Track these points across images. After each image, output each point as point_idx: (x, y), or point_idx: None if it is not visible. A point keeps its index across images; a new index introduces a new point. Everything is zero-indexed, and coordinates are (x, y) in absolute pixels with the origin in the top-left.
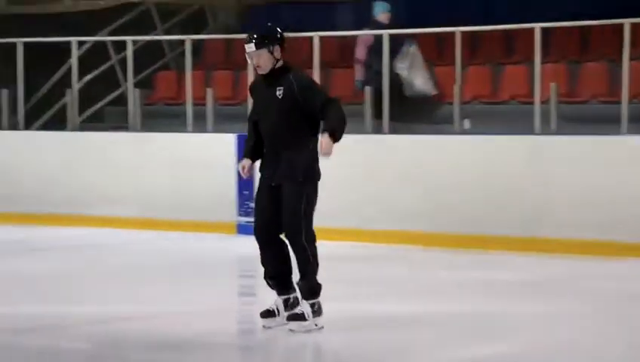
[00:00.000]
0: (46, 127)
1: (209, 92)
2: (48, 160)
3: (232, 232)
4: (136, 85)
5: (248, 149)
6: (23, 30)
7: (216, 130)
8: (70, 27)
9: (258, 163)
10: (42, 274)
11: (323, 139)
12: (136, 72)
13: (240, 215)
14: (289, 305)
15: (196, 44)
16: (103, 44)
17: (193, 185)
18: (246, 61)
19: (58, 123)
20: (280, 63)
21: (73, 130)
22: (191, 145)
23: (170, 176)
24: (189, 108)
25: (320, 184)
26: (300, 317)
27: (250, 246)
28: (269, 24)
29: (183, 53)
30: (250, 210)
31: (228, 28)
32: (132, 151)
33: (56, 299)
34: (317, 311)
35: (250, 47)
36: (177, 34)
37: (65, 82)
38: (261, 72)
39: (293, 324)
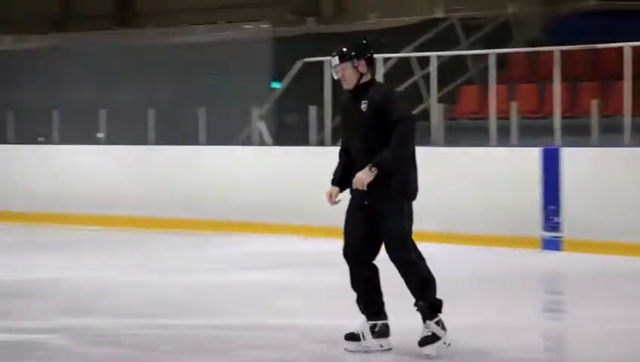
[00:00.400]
0: None
1: (513, 106)
2: None
3: (537, 247)
4: (440, 100)
5: (337, 176)
6: (330, 48)
7: (520, 144)
8: (374, 44)
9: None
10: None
11: (360, 172)
12: (439, 87)
13: (545, 230)
14: (376, 331)
15: (500, 58)
16: (407, 59)
17: (497, 199)
18: (551, 73)
19: None
20: (366, 78)
21: None
22: (494, 159)
23: (472, 189)
24: (493, 122)
25: None
26: (433, 338)
27: (555, 262)
28: (360, 40)
29: (486, 68)
30: (556, 224)
31: (533, 40)
32: (434, 165)
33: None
34: (443, 326)
35: (334, 61)
36: (481, 48)
37: None
38: (346, 86)
39: (429, 348)
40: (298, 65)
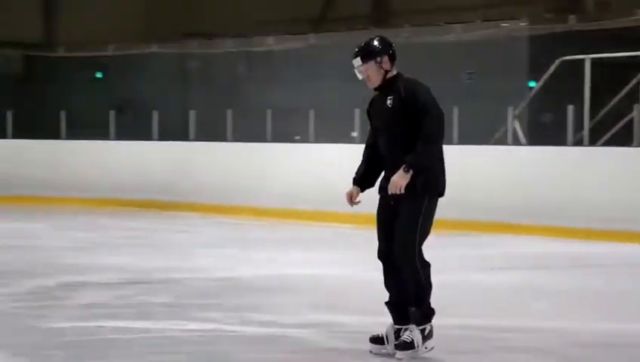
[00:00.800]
0: (610, 142)
1: None
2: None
3: None
4: None
5: (358, 176)
6: (590, 46)
7: None
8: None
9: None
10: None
11: (395, 175)
12: None
13: None
14: (400, 336)
15: None
16: None
17: None
18: None
19: (623, 139)
20: (391, 74)
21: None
22: None
23: None
24: None
25: None
26: (410, 345)
27: None
28: (376, 36)
29: None
30: None
31: None
32: None
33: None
34: (427, 335)
35: (357, 62)
36: None
37: (634, 97)
38: (371, 85)
39: (402, 354)
40: (556, 63)
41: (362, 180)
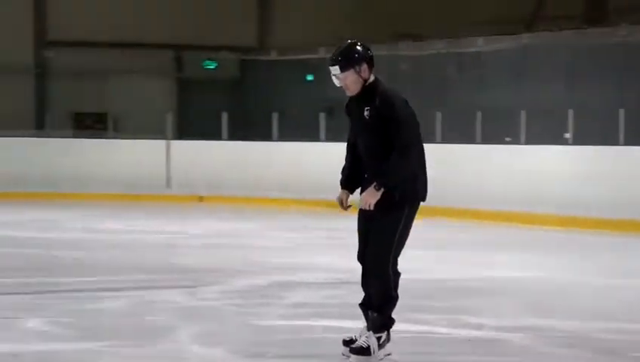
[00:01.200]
0: None
1: None
2: None
3: None
4: None
5: (344, 178)
6: None
7: None
8: None
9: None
10: None
11: (366, 191)
12: None
13: None
14: (380, 343)
15: None
16: None
17: None
18: None
19: None
20: (369, 82)
21: None
22: None
23: None
24: None
25: None
26: (366, 351)
27: None
28: (353, 42)
29: None
30: None
31: None
32: None
33: None
34: (382, 344)
35: (335, 70)
36: None
37: None
38: (349, 93)
39: (357, 358)
40: None
41: (349, 182)
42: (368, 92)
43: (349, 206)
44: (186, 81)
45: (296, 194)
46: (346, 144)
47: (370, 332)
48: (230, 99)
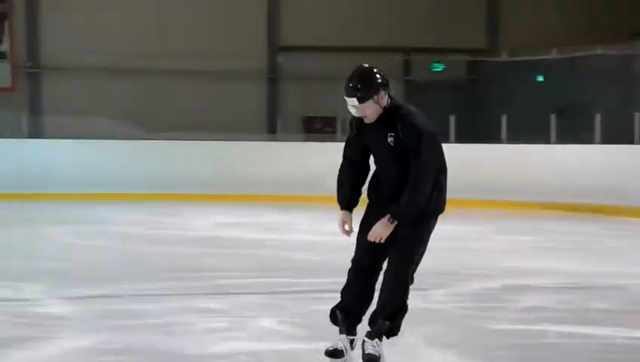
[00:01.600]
0: None
1: None
2: None
3: None
4: None
5: (347, 200)
6: None
7: None
8: None
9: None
10: None
11: (378, 224)
12: None
13: None
14: (353, 347)
15: None
16: None
17: None
18: None
19: None
20: (387, 105)
21: None
22: None
23: None
24: None
25: None
26: (380, 359)
27: None
28: (368, 68)
29: None
30: None
31: None
32: None
33: None
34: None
35: (352, 102)
36: None
37: None
38: (368, 121)
39: None
40: None
41: (352, 203)
42: (388, 116)
43: (352, 229)
44: (414, 83)
45: (523, 196)
46: (345, 156)
47: (377, 340)
48: (457, 101)
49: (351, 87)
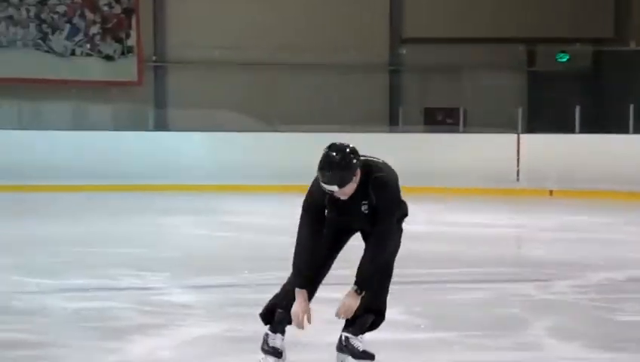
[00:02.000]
0: None
1: None
2: None
3: None
4: None
5: (307, 279)
6: None
7: None
8: None
9: None
10: None
11: (345, 299)
12: None
13: None
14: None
15: None
16: None
17: None
18: None
19: None
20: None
21: None
22: None
23: None
24: None
25: None
26: (372, 356)
27: None
28: (341, 153)
29: None
30: None
31: None
32: None
33: None
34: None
35: (333, 188)
36: None
37: None
38: (345, 197)
39: None
40: None
41: (311, 281)
42: (361, 185)
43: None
44: (538, 74)
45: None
46: (308, 224)
47: (360, 336)
48: (582, 92)
49: (330, 176)
